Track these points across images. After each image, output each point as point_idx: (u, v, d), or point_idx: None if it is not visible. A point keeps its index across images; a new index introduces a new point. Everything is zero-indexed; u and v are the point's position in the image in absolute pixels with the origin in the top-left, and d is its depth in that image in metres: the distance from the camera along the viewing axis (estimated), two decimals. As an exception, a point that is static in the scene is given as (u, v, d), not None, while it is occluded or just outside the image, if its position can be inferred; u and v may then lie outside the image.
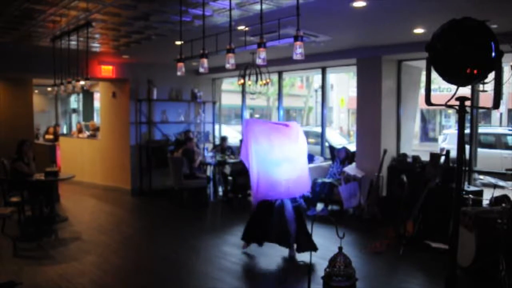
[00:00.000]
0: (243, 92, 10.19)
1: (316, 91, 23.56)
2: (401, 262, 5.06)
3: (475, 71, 2.16)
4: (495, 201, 4.94)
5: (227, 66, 4.15)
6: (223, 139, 9.51)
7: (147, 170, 9.40)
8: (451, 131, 13.52)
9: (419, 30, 5.69)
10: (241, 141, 8.15)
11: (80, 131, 11.63)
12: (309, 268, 4.61)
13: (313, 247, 4.87)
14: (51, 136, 12.25)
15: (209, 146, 10.33)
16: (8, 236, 5.83)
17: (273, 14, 4.48)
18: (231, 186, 8.85)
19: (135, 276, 4.71)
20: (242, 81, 7.76)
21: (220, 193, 9.15)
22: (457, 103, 2.31)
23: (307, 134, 13.86)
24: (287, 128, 5.29)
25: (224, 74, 10.04)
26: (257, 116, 24.55)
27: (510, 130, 12.41)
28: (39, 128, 13.16)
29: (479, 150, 7.22)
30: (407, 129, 7.75)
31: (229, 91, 16.60)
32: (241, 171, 8.50)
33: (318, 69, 8.69)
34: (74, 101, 15.70)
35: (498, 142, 11.51)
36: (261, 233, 5.25)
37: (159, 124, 9.63)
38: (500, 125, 16.81)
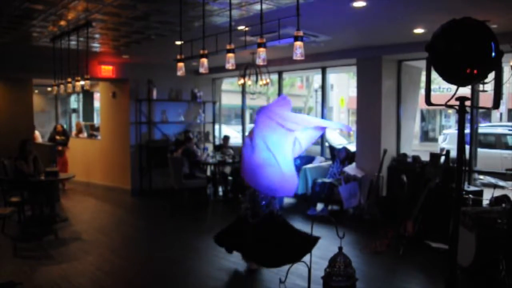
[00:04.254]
0: (243, 92, 10.19)
1: (316, 91, 23.54)
2: (401, 262, 5.06)
3: (475, 71, 2.15)
4: (495, 201, 4.94)
5: (227, 66, 4.15)
6: (226, 138, 9.50)
7: (147, 170, 9.41)
8: (451, 131, 13.52)
9: (419, 30, 5.69)
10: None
11: (80, 131, 11.62)
12: (309, 268, 4.61)
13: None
14: (62, 137, 10.33)
15: (209, 146, 10.34)
16: (8, 236, 5.83)
17: (273, 14, 4.48)
18: (231, 186, 8.85)
19: (135, 276, 4.71)
20: (242, 81, 7.76)
21: (220, 193, 9.15)
22: (457, 103, 2.31)
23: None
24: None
25: (224, 74, 10.04)
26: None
27: (510, 130, 12.40)
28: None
29: (479, 150, 7.22)
30: (407, 129, 7.75)
31: (229, 91, 16.61)
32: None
33: (318, 69, 8.69)
34: (74, 101, 15.69)
35: (498, 142, 11.51)
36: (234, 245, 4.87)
37: (159, 124, 9.63)
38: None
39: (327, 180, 7.49)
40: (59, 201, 8.06)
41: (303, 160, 8.44)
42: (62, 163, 9.81)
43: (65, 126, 14.99)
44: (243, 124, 10.71)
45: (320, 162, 8.50)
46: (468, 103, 2.31)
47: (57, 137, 10.04)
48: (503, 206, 4.42)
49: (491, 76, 2.31)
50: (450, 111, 18.66)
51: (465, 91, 2.53)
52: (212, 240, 6.02)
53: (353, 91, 20.40)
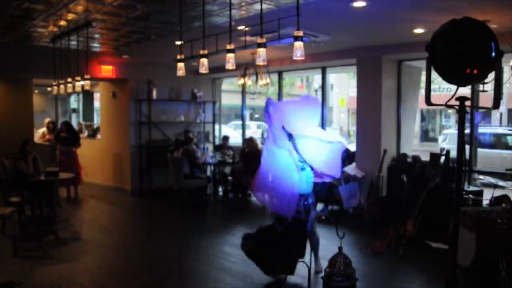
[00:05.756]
0: (243, 92, 10.19)
1: (316, 91, 23.55)
2: (401, 262, 5.06)
3: (475, 71, 2.15)
4: (495, 201, 4.94)
5: (227, 66, 4.15)
6: (225, 138, 9.51)
7: (147, 170, 9.40)
8: (451, 131, 13.52)
9: (419, 30, 5.69)
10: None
11: (80, 131, 11.61)
12: (309, 268, 4.61)
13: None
14: (65, 135, 8.98)
15: (209, 146, 10.34)
16: (8, 236, 5.83)
17: (273, 14, 4.48)
18: (231, 186, 8.85)
19: (135, 276, 4.71)
20: (242, 81, 7.76)
21: (220, 193, 9.15)
22: (457, 103, 2.31)
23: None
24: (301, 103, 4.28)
25: (224, 74, 10.04)
26: (257, 116, 24.51)
27: (510, 130, 12.41)
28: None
29: (479, 150, 7.21)
30: (407, 129, 7.75)
31: (229, 91, 16.59)
32: (242, 171, 8.52)
33: (318, 69, 8.68)
34: (74, 101, 15.72)
35: (498, 142, 11.50)
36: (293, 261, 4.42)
37: (159, 124, 9.63)
38: (500, 125, 16.80)
39: (327, 180, 7.48)
40: (58, 201, 8.04)
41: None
42: (72, 167, 8.37)
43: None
44: (243, 124, 10.71)
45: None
46: (468, 103, 2.31)
47: (61, 135, 8.93)
48: (503, 206, 4.41)
49: (491, 76, 2.31)
50: (450, 111, 18.65)
51: (465, 91, 2.53)
52: (212, 240, 6.03)
53: (353, 91, 20.40)
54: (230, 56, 4.12)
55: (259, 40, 3.85)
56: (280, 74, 9.42)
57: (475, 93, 5.90)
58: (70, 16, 5.23)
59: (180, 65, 4.70)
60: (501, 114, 17.07)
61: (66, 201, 8.49)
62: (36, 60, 7.65)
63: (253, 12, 4.79)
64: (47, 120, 11.48)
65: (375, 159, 7.08)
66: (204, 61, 4.35)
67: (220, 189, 9.23)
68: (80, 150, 9.65)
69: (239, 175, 8.54)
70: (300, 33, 3.68)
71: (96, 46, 7.19)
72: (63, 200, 8.39)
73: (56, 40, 6.37)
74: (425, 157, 6.71)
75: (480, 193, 5.81)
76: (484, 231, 4.38)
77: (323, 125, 8.96)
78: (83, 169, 9.61)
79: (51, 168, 7.03)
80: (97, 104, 13.26)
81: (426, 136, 23.21)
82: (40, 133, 11.01)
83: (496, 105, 2.37)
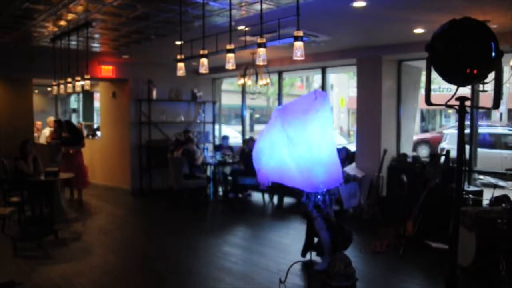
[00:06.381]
0: (243, 92, 10.20)
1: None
2: (401, 262, 5.06)
3: (475, 71, 2.15)
4: (495, 201, 4.94)
5: (227, 66, 4.15)
6: (225, 138, 9.52)
7: (147, 170, 9.41)
8: (451, 131, 13.51)
9: (419, 30, 5.69)
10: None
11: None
12: (309, 268, 4.61)
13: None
14: (66, 134, 8.60)
15: (209, 146, 10.34)
16: (8, 236, 5.83)
17: (273, 14, 4.49)
18: (231, 186, 8.85)
19: (135, 276, 4.71)
20: (242, 81, 7.76)
21: (220, 193, 9.15)
22: (457, 103, 2.31)
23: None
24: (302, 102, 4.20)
25: (224, 74, 10.04)
26: (257, 116, 24.51)
27: (510, 130, 12.40)
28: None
29: (479, 150, 7.21)
30: (407, 129, 7.75)
31: (229, 91, 16.59)
32: (241, 171, 8.52)
33: (318, 69, 8.69)
34: (74, 101, 15.70)
35: (498, 142, 11.50)
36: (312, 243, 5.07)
37: (159, 124, 9.63)
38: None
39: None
40: (59, 203, 8.02)
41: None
42: (71, 168, 7.94)
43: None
44: (243, 124, 10.72)
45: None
46: (468, 103, 2.31)
47: (63, 135, 8.57)
48: (503, 206, 4.42)
49: (491, 76, 2.31)
50: (450, 111, 18.63)
51: (465, 91, 2.53)
52: (212, 240, 6.03)
53: (353, 91, 20.40)
54: (230, 56, 4.12)
55: (259, 40, 3.85)
56: (280, 74, 9.43)
57: (475, 93, 5.90)
58: (70, 16, 5.24)
59: (180, 65, 4.71)
60: (501, 114, 17.08)
61: (69, 203, 8.48)
62: (36, 60, 7.66)
63: (253, 12, 4.79)
64: (51, 119, 11.47)
65: (375, 159, 7.08)
66: (204, 61, 4.35)
67: (220, 189, 9.23)
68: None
69: (236, 175, 8.55)
70: (300, 33, 3.69)
71: (96, 46, 7.19)
72: (66, 202, 8.37)
73: (56, 40, 6.37)
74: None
75: (480, 193, 5.81)
76: (484, 231, 4.38)
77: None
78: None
79: (51, 168, 7.03)
80: (97, 104, 13.25)
81: (426, 136, 23.20)
82: (46, 133, 11.01)
83: (496, 105, 2.37)
